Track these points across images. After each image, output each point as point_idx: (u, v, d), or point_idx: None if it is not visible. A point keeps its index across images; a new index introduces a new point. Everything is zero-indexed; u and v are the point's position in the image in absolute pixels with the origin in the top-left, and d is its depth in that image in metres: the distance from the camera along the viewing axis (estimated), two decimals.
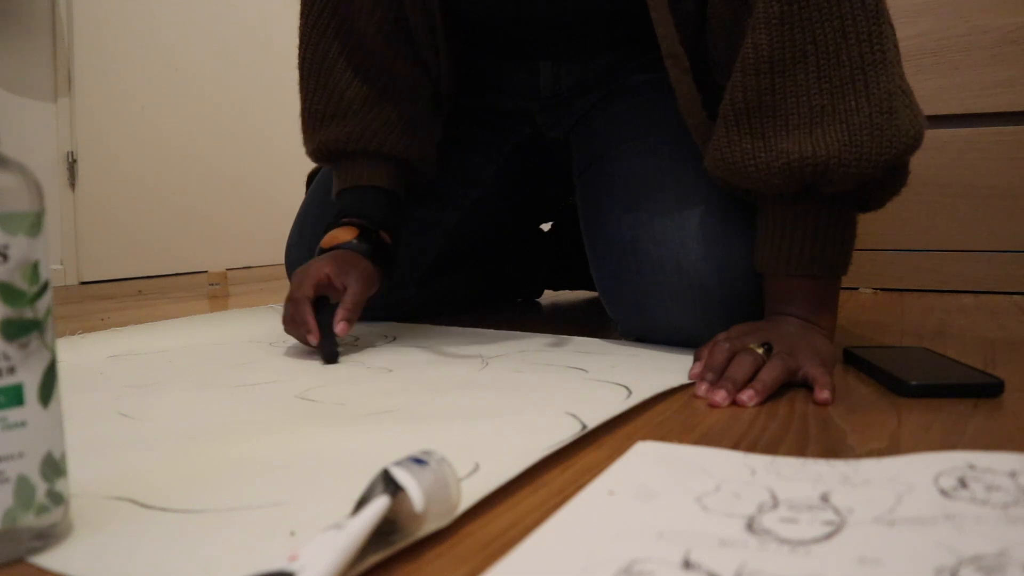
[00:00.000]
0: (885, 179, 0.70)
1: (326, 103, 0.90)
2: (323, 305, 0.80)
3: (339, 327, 0.78)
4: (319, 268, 0.80)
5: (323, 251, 0.85)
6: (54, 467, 0.35)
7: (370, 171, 0.90)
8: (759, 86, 0.69)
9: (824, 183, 0.68)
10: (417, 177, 0.96)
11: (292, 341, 0.90)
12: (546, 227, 1.36)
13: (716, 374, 0.64)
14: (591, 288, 1.17)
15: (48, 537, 0.35)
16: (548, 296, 1.37)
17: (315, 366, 0.76)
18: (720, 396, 0.61)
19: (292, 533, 0.36)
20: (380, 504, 0.32)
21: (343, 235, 0.85)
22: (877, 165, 0.67)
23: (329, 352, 0.77)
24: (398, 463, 0.34)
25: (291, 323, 0.80)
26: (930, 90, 1.40)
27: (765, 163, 0.69)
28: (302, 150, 0.94)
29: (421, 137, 0.93)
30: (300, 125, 0.94)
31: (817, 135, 0.67)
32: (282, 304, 1.10)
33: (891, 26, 0.70)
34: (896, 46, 0.70)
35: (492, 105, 1.04)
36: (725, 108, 0.72)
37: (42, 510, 0.34)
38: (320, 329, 0.78)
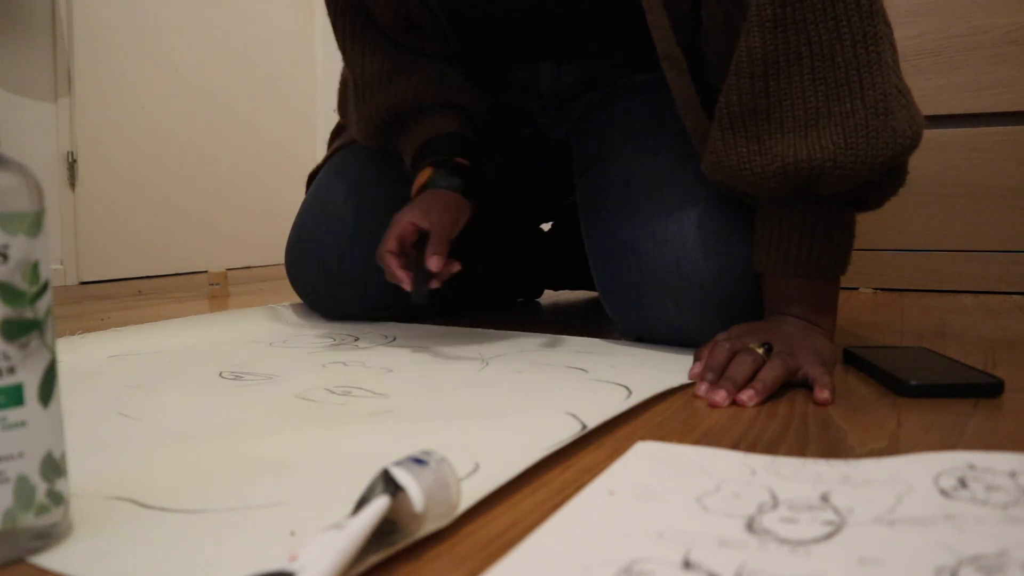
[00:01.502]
0: (883, 180, 0.70)
1: (380, 65, 0.93)
2: (422, 246, 0.83)
3: (431, 262, 0.79)
4: (402, 219, 0.83)
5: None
6: (54, 467, 0.35)
7: (441, 121, 0.94)
8: (753, 89, 0.69)
9: (820, 185, 0.68)
10: (477, 130, 0.99)
11: (292, 341, 0.90)
12: (546, 227, 1.36)
13: (716, 374, 0.64)
14: (591, 288, 1.17)
15: (48, 537, 0.35)
16: (548, 296, 1.37)
17: (315, 366, 0.75)
18: (720, 396, 0.61)
19: (292, 533, 0.36)
20: (380, 504, 0.32)
21: (421, 179, 0.89)
22: (873, 167, 0.66)
23: (417, 292, 0.80)
24: (398, 463, 0.34)
25: (389, 275, 0.83)
26: (930, 90, 1.40)
27: (760, 167, 0.69)
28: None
29: (473, 88, 0.97)
30: (348, 104, 0.98)
31: (812, 138, 0.67)
32: (283, 304, 1.10)
33: (887, 25, 0.69)
34: (893, 46, 0.70)
35: (493, 105, 1.03)
36: (720, 111, 0.72)
37: (42, 510, 0.34)
38: (415, 271, 0.81)
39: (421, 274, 0.80)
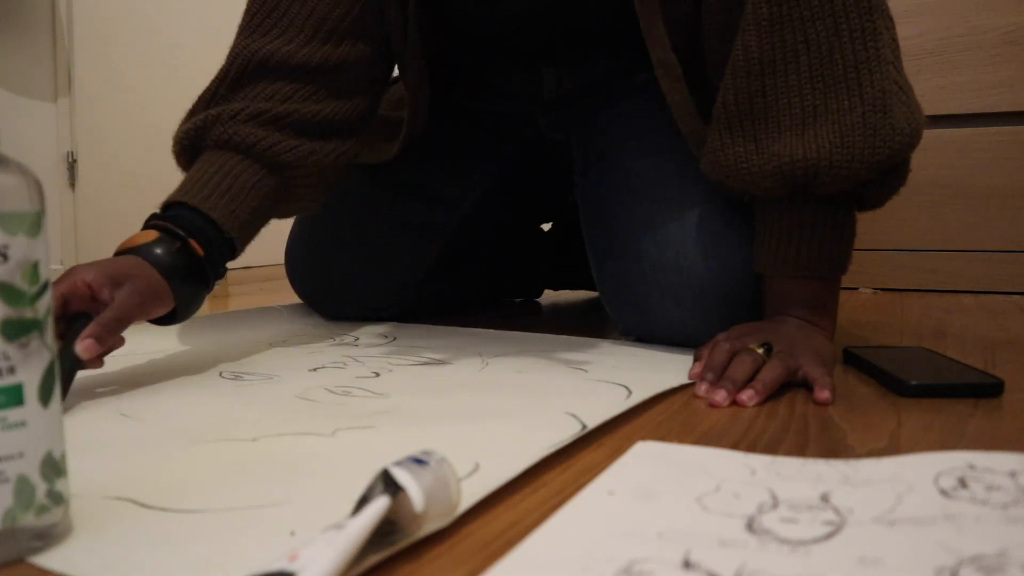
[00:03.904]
0: (882, 179, 0.69)
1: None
2: (82, 322, 0.61)
3: (80, 344, 0.58)
4: (77, 275, 0.63)
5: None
6: (54, 467, 0.35)
7: (219, 194, 0.75)
8: (750, 88, 0.69)
9: (817, 185, 0.68)
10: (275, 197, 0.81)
11: (292, 341, 0.90)
12: (546, 227, 1.36)
13: (716, 374, 0.64)
14: (591, 288, 1.17)
15: (48, 537, 0.35)
16: (548, 296, 1.37)
17: (315, 366, 0.75)
18: (720, 396, 0.61)
19: (292, 533, 0.36)
20: (380, 504, 0.32)
21: (139, 238, 0.69)
22: (870, 166, 0.66)
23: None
24: (398, 463, 0.34)
25: None
26: (930, 90, 1.40)
27: (757, 166, 0.69)
28: None
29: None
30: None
31: (809, 137, 0.67)
32: (283, 304, 1.10)
33: (889, 19, 0.69)
34: (894, 40, 0.70)
35: (494, 108, 1.04)
36: (718, 111, 0.72)
37: (42, 510, 0.34)
38: (61, 352, 0.58)
39: (64, 363, 0.58)
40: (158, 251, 0.68)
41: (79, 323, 0.61)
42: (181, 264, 0.69)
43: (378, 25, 0.86)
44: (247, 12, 0.84)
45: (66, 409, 0.57)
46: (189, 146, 0.80)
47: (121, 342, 0.65)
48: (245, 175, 0.77)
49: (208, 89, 0.81)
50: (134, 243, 0.69)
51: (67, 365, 0.59)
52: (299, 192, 0.83)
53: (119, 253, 0.69)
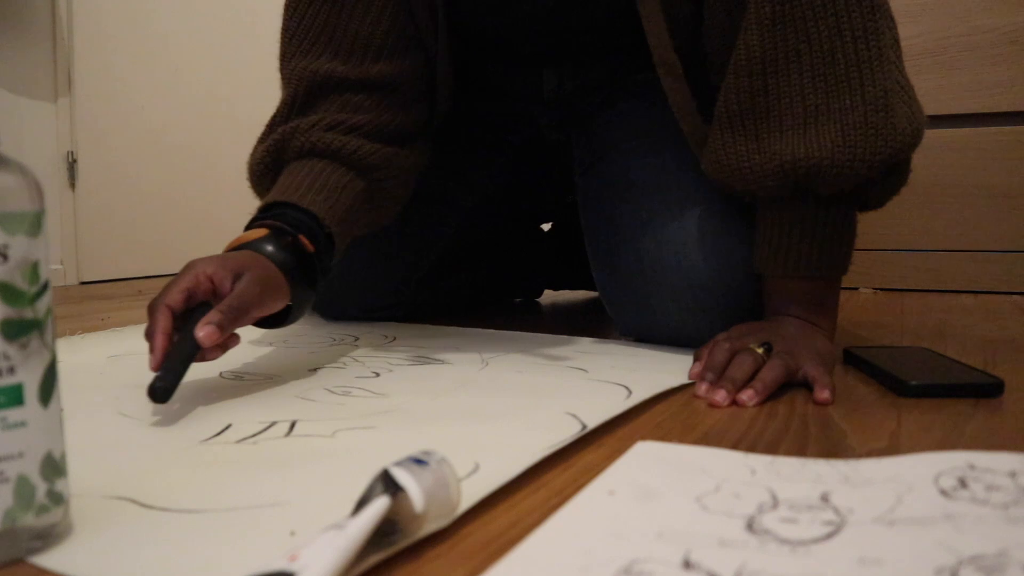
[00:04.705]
0: (883, 178, 0.69)
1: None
2: (201, 310, 0.61)
3: (202, 331, 0.57)
4: (198, 269, 0.63)
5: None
6: (54, 467, 0.35)
7: (316, 189, 0.75)
8: (752, 87, 0.69)
9: (818, 184, 0.68)
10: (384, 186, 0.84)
11: (292, 341, 0.90)
12: (546, 227, 1.36)
13: (716, 374, 0.64)
14: (591, 288, 1.17)
15: (48, 537, 0.35)
16: (548, 296, 1.37)
17: (315, 366, 0.75)
18: (720, 396, 0.61)
19: (292, 533, 0.36)
20: (380, 504, 0.32)
21: (249, 235, 0.70)
22: (872, 165, 0.66)
23: (157, 386, 0.54)
24: (398, 463, 0.34)
25: (147, 333, 0.60)
26: (930, 90, 1.40)
27: (759, 165, 0.69)
28: None
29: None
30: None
31: (811, 135, 0.67)
32: None
33: (890, 19, 0.69)
34: (896, 40, 0.70)
35: (495, 109, 1.03)
36: (719, 110, 0.72)
37: (42, 510, 0.34)
38: (175, 347, 0.58)
39: (180, 351, 0.57)
40: (270, 247, 0.68)
41: (199, 311, 0.60)
42: (294, 260, 0.68)
43: (417, 35, 0.87)
44: (287, 35, 0.85)
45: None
46: (271, 163, 0.80)
47: (236, 340, 0.64)
48: (335, 176, 0.78)
49: (278, 114, 0.83)
50: (244, 240, 0.69)
51: (186, 352, 0.57)
52: (384, 196, 0.85)
53: (229, 251, 0.68)
